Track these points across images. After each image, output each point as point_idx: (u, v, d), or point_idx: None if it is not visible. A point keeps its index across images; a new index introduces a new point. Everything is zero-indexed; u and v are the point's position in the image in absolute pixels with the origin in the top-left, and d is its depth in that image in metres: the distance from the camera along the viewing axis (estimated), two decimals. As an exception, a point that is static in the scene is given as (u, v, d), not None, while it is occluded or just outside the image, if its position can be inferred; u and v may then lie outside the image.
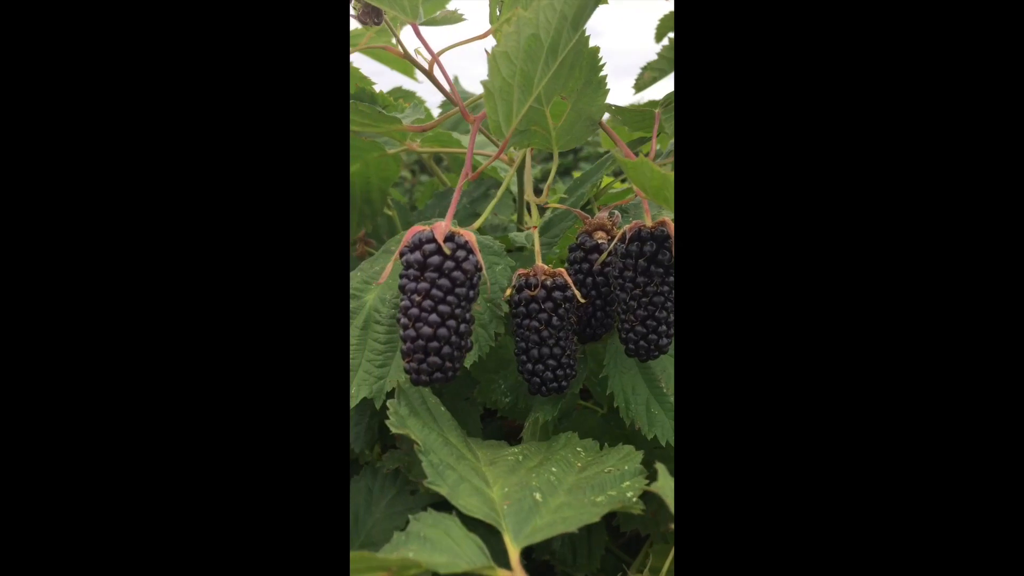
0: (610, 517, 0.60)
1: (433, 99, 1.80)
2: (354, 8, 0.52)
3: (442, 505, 0.40)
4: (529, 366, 0.45)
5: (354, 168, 0.68)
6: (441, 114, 0.85)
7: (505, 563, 0.32)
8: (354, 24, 0.58)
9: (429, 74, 0.54)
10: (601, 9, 0.40)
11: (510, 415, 0.58)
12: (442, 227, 0.38)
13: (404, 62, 0.82)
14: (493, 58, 0.37)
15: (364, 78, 0.59)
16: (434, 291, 0.37)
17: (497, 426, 0.65)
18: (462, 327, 0.38)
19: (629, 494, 0.38)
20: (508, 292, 0.45)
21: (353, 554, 0.28)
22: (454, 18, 0.48)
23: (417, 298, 0.37)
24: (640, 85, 0.76)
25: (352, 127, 0.52)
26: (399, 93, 0.82)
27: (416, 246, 0.38)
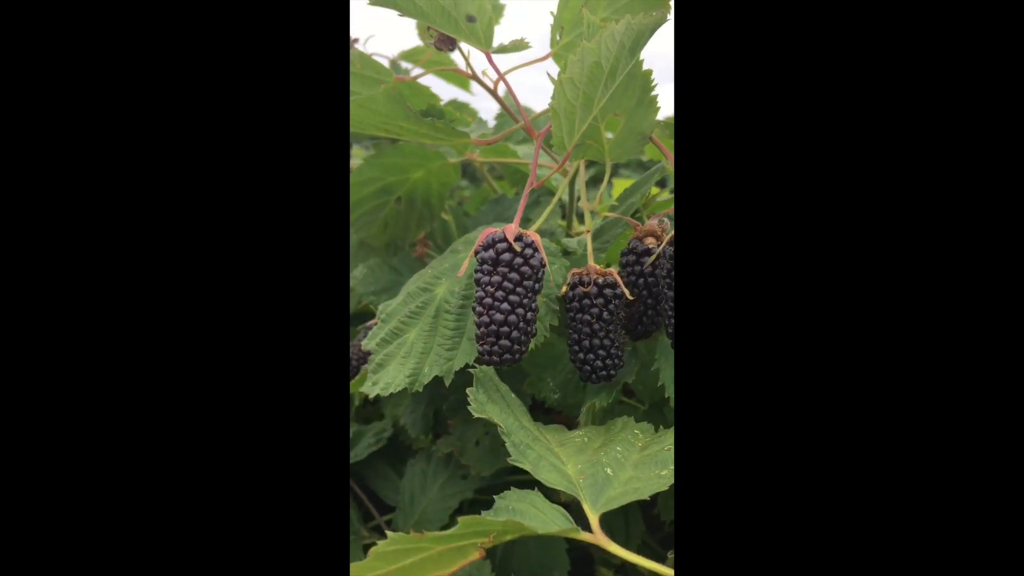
0: (649, 505, 0.64)
1: (485, 110, 1.85)
2: (430, 35, 0.57)
3: (490, 489, 0.42)
4: (581, 356, 0.50)
5: (417, 175, 0.74)
6: (496, 125, 0.91)
7: (586, 527, 0.37)
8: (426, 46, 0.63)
9: (494, 93, 0.60)
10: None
11: (557, 407, 0.63)
12: (512, 228, 0.44)
13: (460, 76, 0.88)
14: (560, 83, 0.42)
15: (433, 95, 0.65)
16: (505, 283, 0.43)
17: (545, 421, 0.70)
18: (528, 315, 0.44)
19: (689, 469, 0.41)
20: (563, 289, 0.50)
21: (462, 519, 0.31)
22: (522, 45, 0.54)
23: (491, 289, 0.43)
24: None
25: (425, 140, 0.58)
26: (456, 106, 0.89)
27: (490, 245, 0.44)
